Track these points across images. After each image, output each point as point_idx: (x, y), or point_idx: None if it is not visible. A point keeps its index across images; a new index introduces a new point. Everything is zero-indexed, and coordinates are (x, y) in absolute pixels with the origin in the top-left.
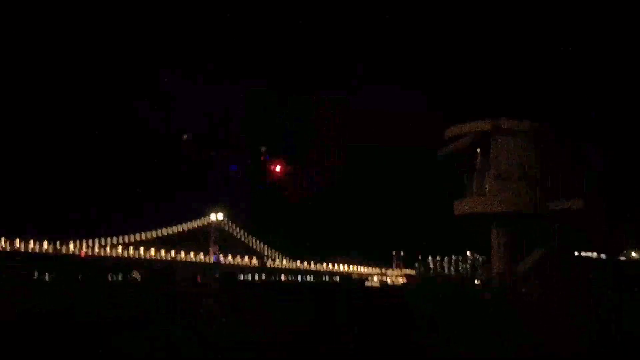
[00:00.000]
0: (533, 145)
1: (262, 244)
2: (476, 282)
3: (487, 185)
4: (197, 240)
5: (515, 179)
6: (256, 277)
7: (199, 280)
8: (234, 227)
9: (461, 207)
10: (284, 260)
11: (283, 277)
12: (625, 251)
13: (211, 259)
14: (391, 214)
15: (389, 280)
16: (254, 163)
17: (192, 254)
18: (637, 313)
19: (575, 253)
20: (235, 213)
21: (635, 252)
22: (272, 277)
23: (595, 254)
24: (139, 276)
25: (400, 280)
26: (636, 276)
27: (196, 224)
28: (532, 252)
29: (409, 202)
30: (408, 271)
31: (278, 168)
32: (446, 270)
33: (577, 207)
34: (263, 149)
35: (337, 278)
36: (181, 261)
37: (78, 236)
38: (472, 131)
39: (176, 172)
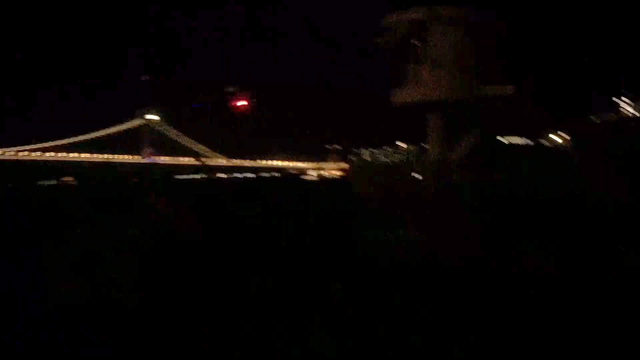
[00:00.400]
0: (468, 34)
1: (197, 143)
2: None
3: (423, 74)
4: (131, 141)
5: (450, 67)
6: (195, 176)
7: (135, 182)
8: (168, 128)
9: (398, 96)
10: (221, 159)
11: (223, 175)
12: (545, 134)
13: (146, 160)
14: (325, 107)
15: (325, 174)
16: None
17: (126, 156)
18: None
19: (500, 138)
20: (169, 114)
21: (555, 135)
22: (212, 176)
23: (519, 139)
24: (73, 180)
25: (337, 173)
26: (557, 159)
27: (130, 125)
28: (465, 139)
29: (343, 94)
30: (343, 164)
31: (242, 102)
32: (381, 161)
33: (507, 93)
34: (231, 89)
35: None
36: (115, 162)
37: (7, 140)
38: (409, 20)
39: (109, 72)
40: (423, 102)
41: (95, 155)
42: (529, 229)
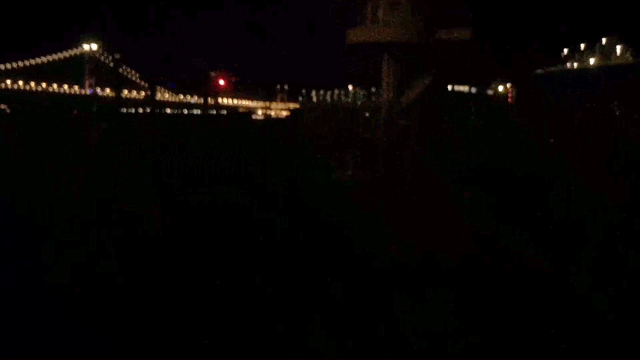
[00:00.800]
0: None
1: (143, 76)
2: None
3: (380, 14)
4: (70, 71)
5: (408, 9)
6: (140, 110)
7: (75, 114)
8: (111, 59)
9: (354, 35)
10: (167, 94)
11: (168, 111)
12: (492, 84)
13: (87, 91)
14: (275, 46)
15: (273, 113)
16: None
17: (65, 86)
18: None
19: (449, 87)
20: (114, 44)
21: (501, 84)
22: (158, 111)
23: (466, 87)
24: (7, 108)
25: (284, 113)
26: (499, 106)
27: (68, 54)
28: (416, 83)
29: (294, 31)
30: (292, 105)
31: (222, 82)
32: (327, 102)
33: (463, 37)
34: (212, 73)
35: (223, 112)
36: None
37: None
38: None
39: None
40: (378, 41)
41: (32, 84)
42: (471, 176)
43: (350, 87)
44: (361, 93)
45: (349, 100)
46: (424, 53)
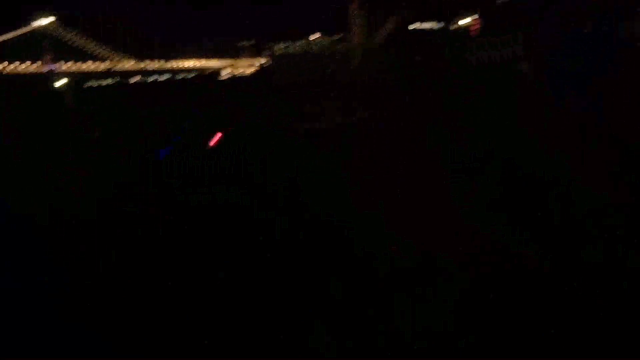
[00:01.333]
0: None
1: (104, 47)
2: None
3: None
4: (26, 49)
5: None
6: (105, 82)
7: (35, 95)
8: (67, 31)
9: None
10: (129, 63)
11: (136, 79)
12: (455, 18)
13: (45, 68)
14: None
15: (237, 72)
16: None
17: (19, 64)
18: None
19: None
20: (67, 16)
21: (465, 17)
22: (123, 80)
23: (432, 25)
24: None
25: (250, 70)
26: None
27: (21, 31)
28: (386, 24)
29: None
30: (257, 60)
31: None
32: (296, 53)
33: None
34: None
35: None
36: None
37: None
38: None
39: None
40: None
41: None
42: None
43: (317, 35)
44: (329, 41)
45: (317, 48)
46: None
